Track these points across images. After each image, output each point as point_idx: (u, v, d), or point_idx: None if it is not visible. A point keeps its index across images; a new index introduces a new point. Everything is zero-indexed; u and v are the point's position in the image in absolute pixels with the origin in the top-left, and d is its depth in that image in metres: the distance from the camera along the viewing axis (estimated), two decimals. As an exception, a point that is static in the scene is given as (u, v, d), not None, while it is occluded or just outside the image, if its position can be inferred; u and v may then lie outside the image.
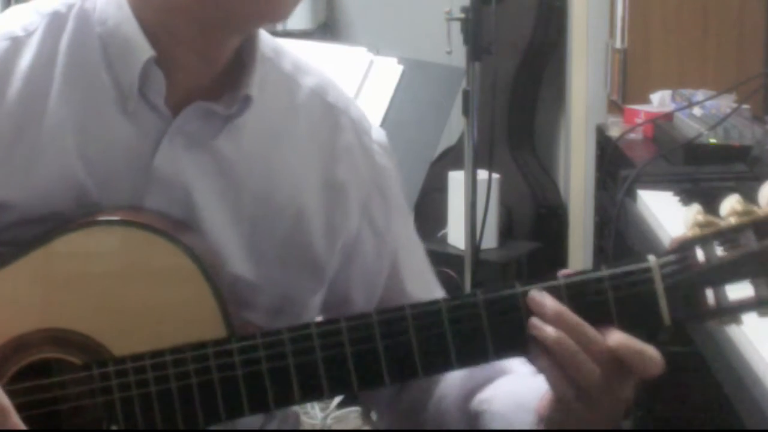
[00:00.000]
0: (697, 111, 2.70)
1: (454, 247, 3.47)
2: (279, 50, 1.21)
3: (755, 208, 1.00)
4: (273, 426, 1.21)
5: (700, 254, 1.00)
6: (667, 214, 2.08)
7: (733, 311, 1.00)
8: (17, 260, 1.04)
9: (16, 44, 1.10)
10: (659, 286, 0.99)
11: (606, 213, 2.66)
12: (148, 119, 1.10)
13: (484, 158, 2.79)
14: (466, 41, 2.66)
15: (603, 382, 0.98)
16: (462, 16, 2.67)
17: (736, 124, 2.51)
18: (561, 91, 3.84)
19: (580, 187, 3.64)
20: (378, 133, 1.26)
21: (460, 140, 3.42)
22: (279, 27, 3.19)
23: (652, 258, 1.01)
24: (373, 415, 2.92)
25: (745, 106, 2.64)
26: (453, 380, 1.20)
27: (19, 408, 0.98)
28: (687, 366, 2.09)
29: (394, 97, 2.38)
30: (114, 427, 1.02)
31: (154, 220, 1.06)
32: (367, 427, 3.10)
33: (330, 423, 3.09)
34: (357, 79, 2.41)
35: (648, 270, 1.00)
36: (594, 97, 3.55)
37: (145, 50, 1.08)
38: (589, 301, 1.00)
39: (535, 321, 0.99)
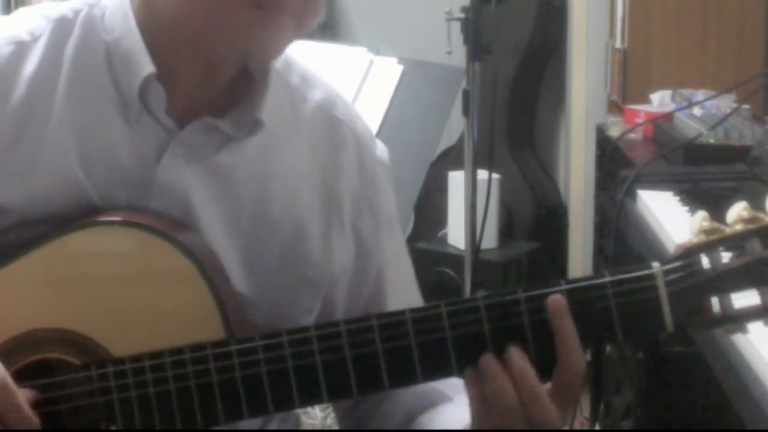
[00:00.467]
0: (697, 111, 2.69)
1: (454, 247, 3.47)
2: (288, 62, 1.20)
3: (762, 216, 0.99)
4: (273, 426, 1.21)
5: (705, 261, 0.99)
6: (667, 214, 2.08)
7: (738, 319, 0.99)
8: (17, 260, 1.04)
9: (22, 48, 1.09)
10: (663, 293, 0.99)
11: (606, 213, 2.66)
12: (150, 129, 1.10)
13: (484, 158, 2.78)
14: (466, 41, 2.66)
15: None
16: (462, 16, 2.67)
17: (736, 124, 2.51)
18: (561, 91, 3.83)
19: (580, 187, 3.64)
20: (381, 151, 1.26)
21: (460, 140, 3.42)
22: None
23: (656, 264, 1.00)
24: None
25: (745, 106, 2.64)
26: (400, 401, 1.22)
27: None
28: (687, 366, 2.09)
29: (394, 97, 2.38)
30: (113, 428, 1.02)
31: (154, 221, 1.06)
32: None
33: (330, 423, 3.09)
34: (357, 79, 2.41)
35: (651, 276, 0.99)
36: (594, 97, 3.55)
37: (145, 66, 1.07)
38: (591, 307, 0.99)
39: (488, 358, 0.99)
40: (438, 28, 2.90)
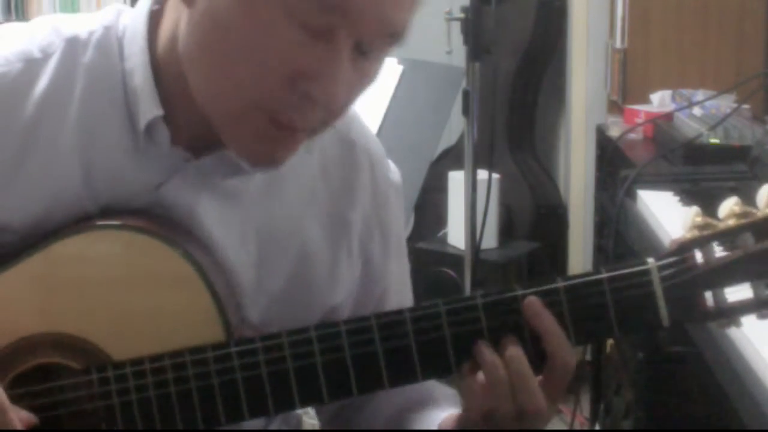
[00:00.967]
0: (697, 111, 2.70)
1: (454, 247, 3.47)
2: None
3: (754, 210, 1.00)
4: (275, 426, 1.21)
5: (699, 256, 1.00)
6: (667, 214, 2.08)
7: (732, 313, 1.01)
8: (16, 265, 1.04)
9: (32, 66, 1.06)
10: (658, 288, 1.00)
11: (606, 213, 2.66)
12: (157, 157, 1.07)
13: (484, 158, 2.79)
14: (466, 41, 2.66)
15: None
16: (462, 16, 2.67)
17: (736, 124, 2.51)
18: (561, 91, 3.83)
19: (580, 187, 3.65)
20: (394, 174, 1.23)
21: (460, 140, 3.42)
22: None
23: (651, 260, 1.01)
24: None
25: (745, 106, 2.64)
26: (383, 403, 1.22)
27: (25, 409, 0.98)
28: (687, 366, 2.09)
29: (394, 97, 2.38)
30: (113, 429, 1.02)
31: (151, 225, 1.05)
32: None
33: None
34: (357, 79, 2.40)
35: (647, 272, 1.00)
36: (594, 97, 3.55)
37: (152, 108, 1.04)
38: (588, 303, 1.00)
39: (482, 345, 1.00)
40: (438, 28, 2.90)
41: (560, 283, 1.01)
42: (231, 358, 1.01)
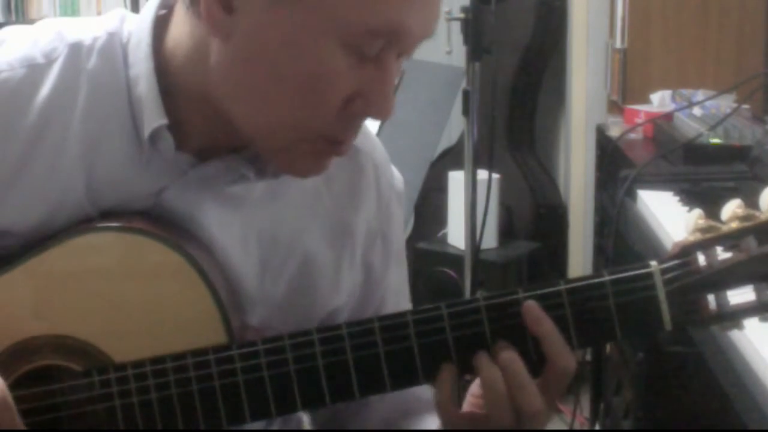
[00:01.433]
0: (697, 111, 2.69)
1: (454, 247, 3.47)
2: None
3: (757, 213, 1.00)
4: (275, 427, 1.21)
5: (701, 259, 1.00)
6: (667, 215, 2.08)
7: (734, 316, 1.00)
8: (16, 267, 1.04)
9: (35, 72, 1.05)
10: (661, 292, 0.99)
11: (606, 213, 2.66)
12: (161, 164, 1.06)
13: (484, 158, 2.79)
14: (466, 41, 2.66)
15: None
16: (462, 16, 2.67)
17: (736, 124, 2.51)
18: (561, 91, 3.83)
19: (580, 187, 3.65)
20: (398, 181, 1.24)
21: (460, 140, 3.42)
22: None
23: (653, 263, 1.00)
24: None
25: (745, 106, 2.64)
26: (375, 409, 1.22)
27: (20, 415, 0.98)
28: (687, 366, 2.09)
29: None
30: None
31: (151, 226, 1.05)
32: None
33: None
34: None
35: (649, 275, 1.00)
36: (594, 97, 3.55)
37: (156, 117, 1.03)
38: (590, 306, 1.00)
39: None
40: (438, 28, 2.90)
41: (562, 286, 1.01)
42: (233, 361, 1.01)
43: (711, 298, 1.00)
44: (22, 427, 0.97)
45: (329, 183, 1.16)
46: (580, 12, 3.59)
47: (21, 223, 1.05)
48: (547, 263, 3.69)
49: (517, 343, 1.00)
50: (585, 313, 1.00)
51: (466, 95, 2.68)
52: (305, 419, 1.28)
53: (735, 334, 1.44)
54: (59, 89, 1.05)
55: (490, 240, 3.40)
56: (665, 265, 1.00)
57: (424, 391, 1.21)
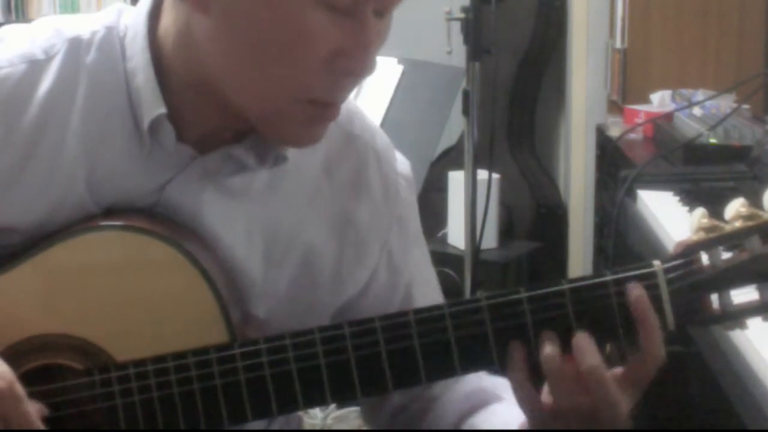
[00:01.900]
0: (697, 111, 2.70)
1: (454, 247, 3.47)
2: None
3: (760, 212, 1.00)
4: (276, 426, 1.21)
5: (705, 258, 0.99)
6: (667, 214, 2.08)
7: (737, 316, 1.00)
8: (18, 266, 1.04)
9: (35, 68, 1.05)
10: (664, 291, 0.99)
11: (606, 213, 2.66)
12: (162, 157, 1.07)
13: (484, 158, 2.79)
14: (466, 41, 2.66)
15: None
16: (462, 16, 2.67)
17: (736, 124, 2.51)
18: (561, 91, 3.84)
19: (580, 187, 3.65)
20: (403, 164, 1.23)
21: (460, 140, 3.42)
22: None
23: (656, 263, 1.00)
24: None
25: (745, 106, 2.64)
26: (449, 403, 1.20)
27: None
28: (687, 366, 2.09)
29: (394, 97, 2.38)
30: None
31: (155, 225, 1.05)
32: (367, 427, 3.10)
33: (330, 423, 3.08)
34: (357, 79, 2.40)
35: (653, 275, 0.99)
36: (594, 97, 3.55)
37: (156, 106, 1.04)
38: (593, 306, 1.00)
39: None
40: (438, 28, 2.90)
41: (565, 286, 1.00)
42: (234, 360, 1.01)
43: (714, 298, 0.99)
44: (34, 417, 0.97)
45: (329, 174, 1.16)
46: (580, 12, 3.59)
47: (23, 220, 1.05)
48: (547, 263, 3.69)
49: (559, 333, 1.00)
50: (587, 313, 1.00)
51: (466, 95, 2.68)
52: (306, 419, 1.27)
53: (735, 334, 1.44)
54: (59, 85, 1.06)
55: (490, 240, 3.40)
56: (668, 265, 1.00)
57: (489, 382, 1.19)
